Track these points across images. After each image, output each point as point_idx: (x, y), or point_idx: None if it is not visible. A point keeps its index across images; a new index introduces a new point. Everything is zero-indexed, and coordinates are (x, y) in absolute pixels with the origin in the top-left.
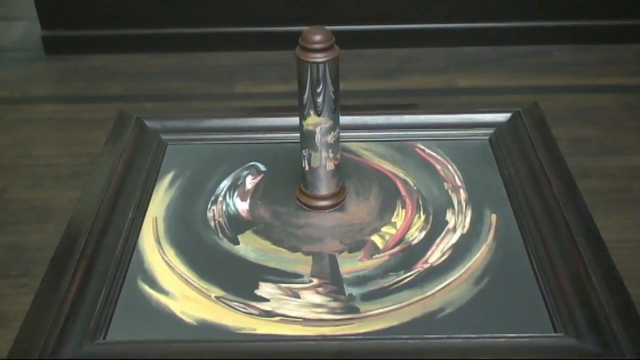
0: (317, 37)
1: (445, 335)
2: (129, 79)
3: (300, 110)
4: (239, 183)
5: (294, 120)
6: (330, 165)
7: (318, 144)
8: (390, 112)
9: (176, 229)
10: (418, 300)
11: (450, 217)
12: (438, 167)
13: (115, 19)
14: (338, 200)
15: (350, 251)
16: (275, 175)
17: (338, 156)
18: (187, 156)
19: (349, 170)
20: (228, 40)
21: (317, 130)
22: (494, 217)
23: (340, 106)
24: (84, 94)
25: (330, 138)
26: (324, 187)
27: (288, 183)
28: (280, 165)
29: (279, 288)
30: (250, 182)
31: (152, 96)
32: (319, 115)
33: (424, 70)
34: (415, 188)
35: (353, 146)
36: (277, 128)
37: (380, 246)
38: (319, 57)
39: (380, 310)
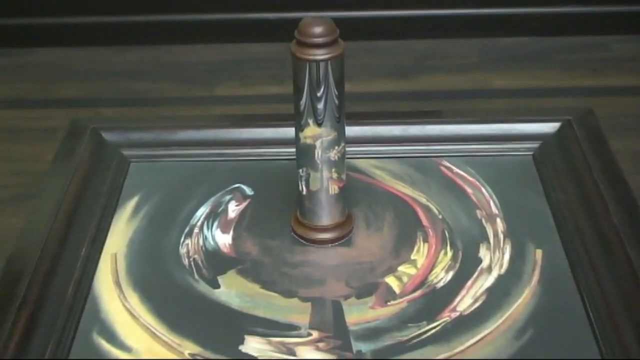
0: (317, 30)
1: None
2: (85, 79)
3: (296, 119)
4: (219, 210)
5: (289, 132)
6: (333, 188)
7: (318, 162)
8: (408, 121)
9: (141, 269)
10: (444, 359)
11: (484, 253)
12: (469, 190)
13: (68, 4)
14: (344, 232)
15: (359, 296)
16: (265, 201)
17: (343, 176)
18: (155, 177)
19: (357, 194)
20: (208, 31)
21: (318, 144)
22: (538, 253)
23: (346, 114)
24: (28, 97)
25: (333, 154)
26: (326, 216)
27: (281, 210)
28: (271, 188)
29: (270, 343)
30: (233, 209)
31: (113, 100)
32: (319, 125)
33: (450, 67)
34: (440, 216)
35: (362, 164)
36: (267, 141)
37: (397, 290)
38: (320, 54)
39: None
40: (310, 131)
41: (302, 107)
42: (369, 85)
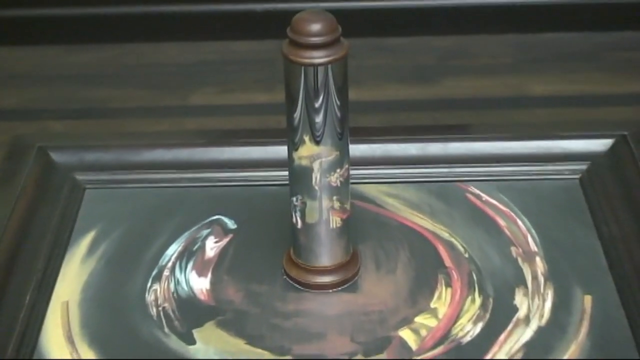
0: (315, 27)
1: None
2: (30, 85)
3: (289, 136)
4: (195, 248)
5: (280, 151)
6: (335, 221)
7: (317, 188)
8: (427, 137)
9: (99, 321)
10: None
11: (520, 300)
12: (501, 222)
13: None
14: (348, 274)
15: (367, 354)
16: (251, 236)
17: (347, 206)
18: (115, 206)
19: (364, 228)
20: (180, 25)
21: (316, 166)
22: (587, 300)
23: (350, 129)
24: None
25: (335, 178)
26: (326, 255)
27: (271, 248)
28: (258, 221)
29: None
30: (212, 246)
31: (63, 112)
32: (317, 142)
33: (479, 69)
34: (467, 255)
35: (370, 190)
36: (254, 163)
37: (414, 346)
38: (318, 57)
39: None
40: (307, 150)
41: (296, 121)
42: (379, 93)
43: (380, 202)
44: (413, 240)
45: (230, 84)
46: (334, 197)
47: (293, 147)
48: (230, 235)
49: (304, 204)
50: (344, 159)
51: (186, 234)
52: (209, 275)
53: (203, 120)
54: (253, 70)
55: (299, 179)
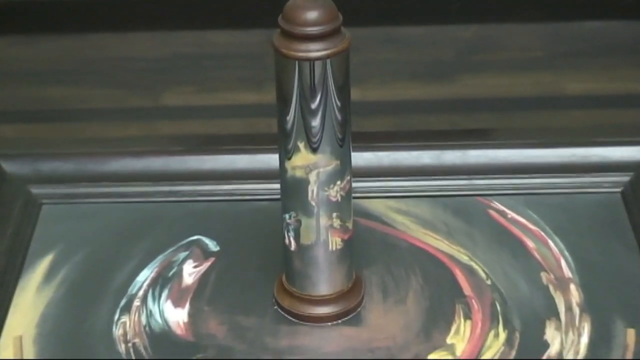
0: (312, 15)
1: None
2: None
3: (281, 142)
4: (171, 274)
5: (271, 160)
6: (335, 242)
7: (313, 204)
8: (443, 143)
9: (58, 358)
10: None
11: (552, 334)
12: (530, 243)
13: None
14: (350, 304)
15: None
16: (236, 260)
17: (349, 224)
18: (77, 225)
19: (369, 250)
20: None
21: (312, 177)
22: (630, 333)
23: (353, 134)
24: None
25: (335, 192)
26: (325, 282)
27: (260, 274)
28: (245, 242)
29: None
30: (191, 272)
31: (15, 114)
32: (314, 150)
33: (505, 64)
34: (489, 282)
35: (377, 206)
36: (239, 174)
37: None
38: (315, 50)
39: None
40: (302, 159)
41: (289, 125)
42: (387, 92)
43: (387, 219)
44: (426, 264)
45: (211, 81)
46: (334, 214)
47: (286, 155)
48: (212, 259)
49: (298, 222)
50: (345, 169)
51: (160, 258)
52: (187, 305)
53: (179, 124)
54: (238, 65)
55: (293, 192)
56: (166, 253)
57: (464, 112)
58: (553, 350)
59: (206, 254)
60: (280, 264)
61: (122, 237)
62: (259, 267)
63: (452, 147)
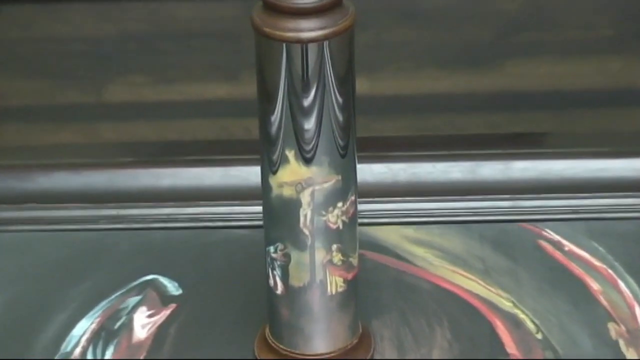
0: None
1: None
2: None
3: (264, 151)
4: (117, 326)
5: (250, 175)
6: (335, 283)
7: (307, 232)
8: (478, 152)
9: None
10: None
11: None
12: (594, 285)
13: None
14: None
15: None
16: (203, 307)
17: (354, 260)
18: None
19: (380, 294)
20: None
21: (305, 197)
22: None
23: (358, 140)
24: None
25: (335, 217)
26: (322, 336)
27: (235, 326)
28: (214, 284)
29: None
30: (145, 323)
31: None
32: (308, 161)
33: (562, 47)
34: (540, 336)
35: (390, 235)
36: (208, 193)
37: None
38: (309, 30)
39: None
40: (291, 173)
41: (274, 128)
42: (404, 84)
43: (404, 253)
44: (456, 312)
45: (170, 69)
46: (334, 247)
47: (270, 168)
48: (172, 306)
49: (286, 257)
50: (348, 187)
51: (103, 304)
52: None
53: (128, 126)
54: (206, 48)
55: (280, 218)
56: (111, 298)
57: (506, 110)
58: None
59: (164, 299)
60: (263, 313)
61: (53, 278)
62: (235, 317)
63: (491, 158)
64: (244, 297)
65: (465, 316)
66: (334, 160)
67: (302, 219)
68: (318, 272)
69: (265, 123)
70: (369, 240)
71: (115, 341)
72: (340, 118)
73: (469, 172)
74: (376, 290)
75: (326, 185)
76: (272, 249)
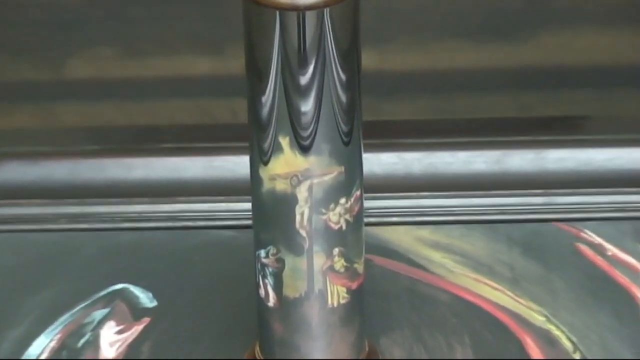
0: None
1: None
2: None
3: (253, 139)
4: (81, 344)
5: (237, 167)
6: (337, 293)
7: (304, 234)
8: (506, 139)
9: None
10: None
11: None
12: None
13: None
14: None
15: None
16: (182, 322)
17: (359, 266)
18: None
19: (390, 306)
20: None
21: (302, 193)
22: None
23: (364, 125)
24: None
25: (337, 215)
26: (322, 355)
27: (219, 343)
28: (195, 294)
29: None
30: (113, 340)
31: None
32: (305, 150)
33: (605, 14)
34: (577, 355)
35: (402, 237)
36: (186, 187)
37: None
38: None
39: None
40: (286, 164)
41: (265, 110)
42: (419, 59)
43: (419, 258)
44: (479, 327)
45: (142, 40)
46: (336, 251)
47: (260, 158)
48: (146, 321)
49: (280, 262)
50: (353, 180)
51: (65, 319)
52: None
53: (93, 108)
54: (184, 16)
55: (271, 217)
56: (74, 311)
57: (540, 89)
58: None
59: (136, 312)
60: (253, 328)
61: (6, 286)
62: (219, 334)
63: (522, 146)
64: (230, 309)
65: (490, 333)
66: (335, 148)
67: (298, 218)
68: (317, 281)
69: (254, 104)
70: (377, 243)
71: None
72: (344, 99)
73: (495, 162)
74: (385, 302)
75: (327, 178)
76: (263, 253)
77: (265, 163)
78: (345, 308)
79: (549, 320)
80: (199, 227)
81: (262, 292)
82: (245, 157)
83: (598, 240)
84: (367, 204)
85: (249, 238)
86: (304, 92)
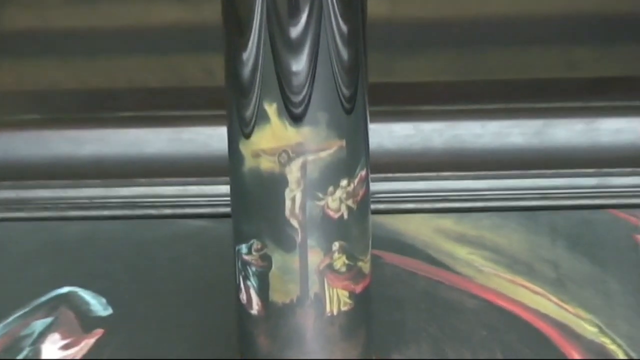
0: None
1: None
2: None
3: (231, 104)
4: None
5: (211, 140)
6: (338, 298)
7: (295, 224)
8: (549, 105)
9: None
10: None
11: None
12: None
13: None
14: None
15: None
16: (144, 334)
17: (365, 265)
18: None
19: (404, 314)
20: None
21: (293, 172)
22: None
23: (370, 87)
24: None
25: (336, 201)
26: None
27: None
28: (158, 300)
29: None
30: (57, 355)
31: None
32: (297, 120)
33: None
34: None
35: (419, 228)
36: (146, 167)
37: None
38: None
39: None
40: (272, 138)
41: (247, 70)
42: (443, 4)
43: (440, 254)
44: (515, 342)
45: None
46: (335, 245)
47: (241, 130)
48: (98, 333)
49: (266, 260)
50: (357, 157)
51: None
52: None
53: (31, 66)
54: None
55: (255, 203)
56: (9, 321)
57: (592, 43)
58: None
59: (87, 322)
60: (233, 342)
61: None
62: (190, 348)
63: (569, 113)
64: (204, 319)
65: (528, 347)
66: (335, 117)
67: (288, 204)
68: (312, 283)
69: (234, 63)
70: (387, 236)
71: None
72: (345, 56)
73: (534, 134)
74: (398, 309)
75: (324, 154)
76: (244, 248)
77: (247, 136)
78: (348, 317)
79: (602, 331)
80: (164, 215)
81: (243, 297)
82: (222, 129)
83: None
84: (375, 186)
85: (226, 230)
86: (295, 47)
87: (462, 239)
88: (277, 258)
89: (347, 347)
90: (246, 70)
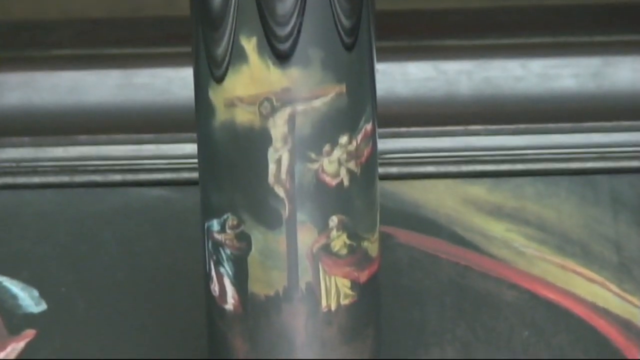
0: None
1: None
2: None
3: (199, 41)
4: None
5: (171, 85)
6: (337, 291)
7: (281, 194)
8: (604, 39)
9: None
10: None
11: None
12: None
13: None
14: None
15: None
16: (86, 335)
17: (372, 246)
18: None
19: (423, 310)
20: None
21: (278, 127)
22: None
23: (377, 16)
24: None
25: (334, 164)
26: None
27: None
28: (107, 291)
29: None
30: None
31: None
32: (283, 59)
33: None
34: None
35: (439, 199)
36: (92, 120)
37: None
38: None
39: None
40: (251, 81)
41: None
42: None
43: (469, 232)
44: (566, 343)
45: None
46: (334, 220)
47: (212, 72)
48: (29, 335)
49: (243, 240)
50: (360, 107)
51: None
52: None
53: None
54: None
55: (229, 166)
56: None
57: None
58: None
59: (14, 321)
60: (201, 346)
61: None
62: (143, 353)
63: (633, 49)
64: (162, 316)
65: (582, 351)
66: (332, 55)
67: (272, 168)
68: (303, 270)
69: None
70: (402, 209)
71: None
72: None
73: (589, 76)
74: (417, 303)
75: (318, 103)
76: (216, 225)
77: (219, 80)
78: (350, 314)
79: None
80: (111, 183)
81: (215, 288)
82: (186, 71)
83: None
84: (385, 144)
85: (192, 202)
86: None
87: (497, 212)
88: (258, 237)
89: (349, 352)
90: (215, 2)
